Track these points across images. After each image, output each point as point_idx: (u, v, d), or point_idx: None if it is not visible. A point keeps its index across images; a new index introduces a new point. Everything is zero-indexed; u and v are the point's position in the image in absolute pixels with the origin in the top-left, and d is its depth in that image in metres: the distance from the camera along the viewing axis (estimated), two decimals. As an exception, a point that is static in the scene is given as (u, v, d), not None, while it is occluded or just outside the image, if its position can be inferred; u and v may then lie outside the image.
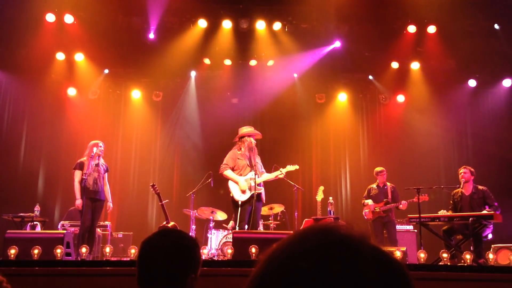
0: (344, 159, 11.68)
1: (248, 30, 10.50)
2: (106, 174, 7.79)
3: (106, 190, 7.70)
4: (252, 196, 7.09)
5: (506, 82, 11.16)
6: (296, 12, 10.37)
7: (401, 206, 8.42)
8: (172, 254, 1.87)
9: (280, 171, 7.31)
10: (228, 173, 7.33)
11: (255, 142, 7.47)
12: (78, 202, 7.32)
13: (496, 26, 10.39)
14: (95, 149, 7.56)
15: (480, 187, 7.62)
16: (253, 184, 7.11)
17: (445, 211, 7.54)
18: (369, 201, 8.69)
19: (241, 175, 7.29)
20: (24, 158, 10.76)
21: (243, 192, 7.17)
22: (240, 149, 7.43)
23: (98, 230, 8.72)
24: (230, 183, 7.31)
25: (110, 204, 7.72)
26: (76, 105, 11.18)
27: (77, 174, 7.47)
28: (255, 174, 7.15)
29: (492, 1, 9.96)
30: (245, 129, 7.59)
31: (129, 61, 11.03)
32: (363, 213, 8.74)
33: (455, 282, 4.89)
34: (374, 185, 8.88)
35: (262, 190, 7.27)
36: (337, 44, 10.77)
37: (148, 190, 8.73)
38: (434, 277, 4.91)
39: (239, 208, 7.10)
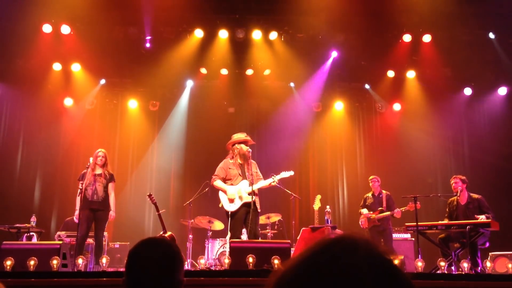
0: (341, 167, 11.69)
1: (244, 39, 10.54)
2: (111, 183, 7.64)
3: (110, 199, 7.57)
4: (243, 205, 6.87)
5: (502, 90, 11.22)
6: (292, 21, 10.42)
7: (394, 214, 8.46)
8: (163, 264, 1.85)
9: (273, 179, 7.02)
10: (217, 183, 7.09)
11: (248, 148, 7.15)
12: (76, 214, 7.27)
13: (491, 35, 10.47)
14: (91, 159, 7.49)
15: (474, 196, 7.56)
16: (244, 193, 6.88)
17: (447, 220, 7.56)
18: (364, 210, 8.79)
19: (232, 184, 7.03)
20: (20, 169, 10.73)
21: (231, 201, 6.92)
22: (232, 157, 7.20)
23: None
24: (220, 193, 7.08)
25: (112, 213, 7.57)
26: (72, 115, 11.17)
27: (80, 185, 7.35)
28: (249, 182, 6.87)
29: (487, 10, 10.03)
30: (236, 136, 7.31)
31: (126, 71, 11.06)
32: (359, 222, 8.80)
33: (453, 290, 4.89)
34: (369, 194, 8.97)
35: (254, 198, 6.84)
36: (334, 53, 10.82)
37: (145, 200, 8.68)
38: (432, 285, 4.91)
39: (230, 218, 6.89)
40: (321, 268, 0.77)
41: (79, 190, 7.29)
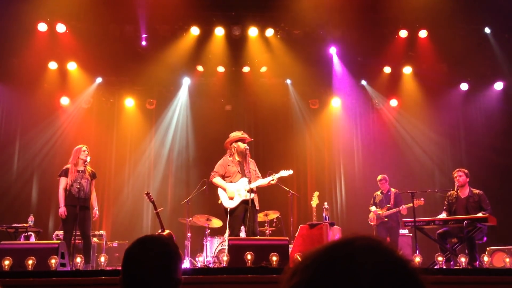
0: (338, 164, 11.69)
1: (240, 37, 10.54)
2: (93, 180, 7.53)
3: (93, 197, 7.44)
4: (242, 203, 6.88)
5: (498, 85, 11.24)
6: (288, 18, 10.42)
7: (401, 211, 8.67)
8: (160, 263, 1.84)
9: (272, 178, 7.01)
10: (216, 180, 7.08)
11: (245, 146, 7.17)
12: (62, 210, 7.09)
13: (487, 30, 10.48)
14: (88, 158, 7.39)
15: (476, 191, 7.54)
16: (243, 191, 6.89)
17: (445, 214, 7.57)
18: (373, 208, 9.03)
19: (231, 182, 7.04)
20: (17, 169, 10.70)
21: (231, 198, 6.92)
22: (231, 155, 7.20)
23: (95, 239, 8.69)
24: (219, 190, 7.08)
25: (96, 211, 7.44)
26: (69, 114, 11.12)
27: (62, 181, 7.24)
28: (248, 180, 6.87)
29: (482, 5, 10.05)
30: (232, 135, 7.32)
31: (122, 69, 11.02)
32: (368, 219, 9.06)
33: (451, 285, 4.90)
34: (378, 192, 9.22)
35: (253, 195, 6.88)
36: (330, 49, 10.83)
37: (143, 199, 8.69)
38: (430, 281, 4.91)
39: (229, 216, 6.90)
40: (336, 265, 0.77)
41: (63, 186, 7.18)
